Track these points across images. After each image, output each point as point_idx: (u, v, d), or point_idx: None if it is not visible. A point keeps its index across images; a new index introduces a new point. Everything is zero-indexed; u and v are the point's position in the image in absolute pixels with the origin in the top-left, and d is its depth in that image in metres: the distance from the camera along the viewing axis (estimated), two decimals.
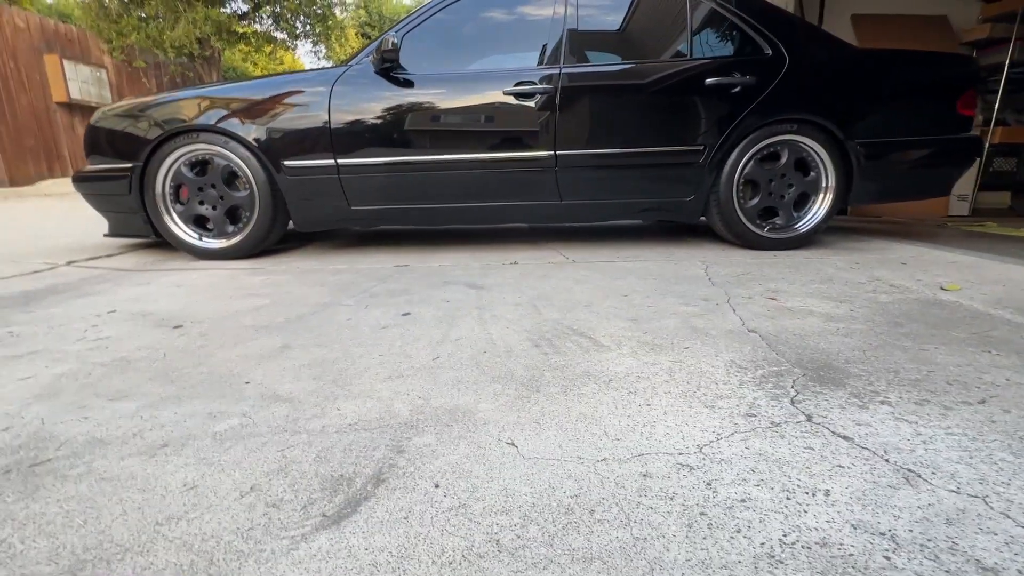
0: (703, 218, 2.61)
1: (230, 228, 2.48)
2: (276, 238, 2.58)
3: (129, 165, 2.40)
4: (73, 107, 6.84)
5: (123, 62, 7.06)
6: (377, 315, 1.53)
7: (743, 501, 0.65)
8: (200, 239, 2.48)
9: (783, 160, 2.42)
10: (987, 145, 4.29)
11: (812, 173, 2.45)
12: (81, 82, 6.68)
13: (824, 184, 2.45)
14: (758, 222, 2.49)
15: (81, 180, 2.54)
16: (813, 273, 2.00)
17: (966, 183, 4.32)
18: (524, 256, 2.43)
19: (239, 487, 0.70)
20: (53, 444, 0.83)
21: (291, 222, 2.54)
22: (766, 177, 2.44)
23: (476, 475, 0.72)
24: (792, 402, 0.93)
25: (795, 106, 2.36)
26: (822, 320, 1.41)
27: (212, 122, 2.34)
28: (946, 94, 2.46)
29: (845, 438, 0.80)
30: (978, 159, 4.25)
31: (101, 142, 2.48)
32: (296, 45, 7.67)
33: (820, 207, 2.47)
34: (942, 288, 1.74)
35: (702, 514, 0.63)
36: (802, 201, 2.49)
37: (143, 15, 6.10)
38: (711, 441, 0.80)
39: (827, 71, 2.44)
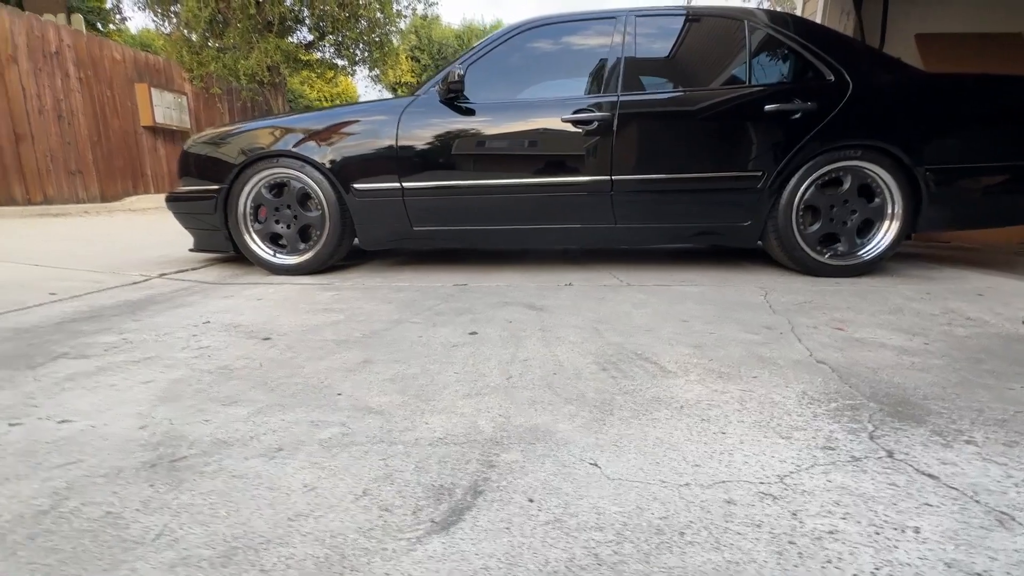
0: (759, 242, 2.58)
1: (301, 246, 2.65)
2: (342, 255, 2.74)
3: (216, 187, 2.62)
4: (156, 130, 7.50)
5: (201, 89, 7.69)
6: (446, 333, 1.61)
7: (831, 533, 0.68)
8: (274, 255, 2.67)
9: (846, 186, 2.39)
10: None
11: (877, 199, 2.40)
12: (165, 107, 7.33)
13: (890, 211, 2.39)
14: (818, 248, 2.45)
15: (173, 200, 2.79)
16: (881, 303, 1.95)
17: None
18: (578, 278, 2.48)
19: (352, 491, 0.78)
20: (185, 443, 0.94)
21: (356, 240, 2.69)
22: (827, 203, 2.41)
23: (566, 492, 0.77)
24: (871, 437, 0.93)
25: (859, 132, 2.33)
26: (895, 353, 1.39)
27: (290, 148, 2.53)
28: (1021, 118, 2.37)
29: (931, 476, 0.81)
30: None
31: (192, 166, 2.73)
32: (355, 71, 8.14)
33: (886, 234, 2.40)
34: None
35: (791, 543, 0.66)
36: (866, 228, 2.44)
37: (221, 46, 6.65)
38: (791, 472, 0.82)
39: (894, 96, 2.39)
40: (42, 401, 1.13)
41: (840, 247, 2.44)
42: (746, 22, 2.48)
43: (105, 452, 0.91)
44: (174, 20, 7.41)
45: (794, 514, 0.71)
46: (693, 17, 2.65)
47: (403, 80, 14.63)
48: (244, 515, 0.73)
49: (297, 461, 0.87)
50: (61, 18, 6.34)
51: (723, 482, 0.79)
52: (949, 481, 0.79)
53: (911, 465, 0.84)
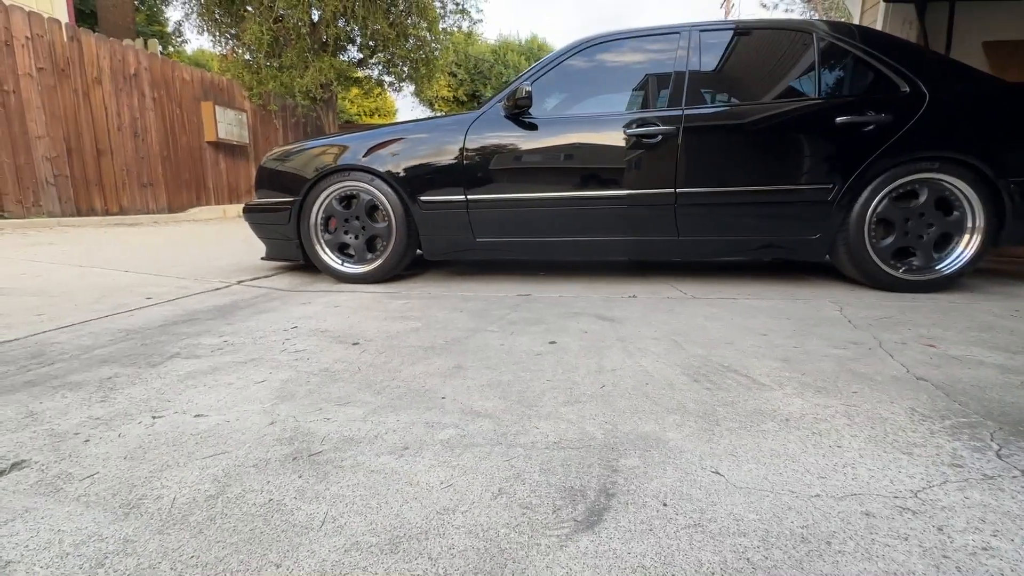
0: (827, 256, 2.53)
1: (368, 256, 2.76)
2: (405, 265, 2.83)
3: (290, 199, 2.76)
4: (218, 145, 7.97)
5: (259, 106, 8.12)
6: (525, 342, 1.65)
7: (985, 549, 0.67)
8: (342, 264, 2.78)
9: (922, 199, 2.32)
10: None
11: (956, 212, 2.32)
12: (227, 124, 7.79)
13: (970, 224, 2.31)
14: (892, 262, 2.38)
15: (250, 211, 2.96)
16: (967, 320, 1.88)
17: None
18: (640, 289, 2.48)
19: (488, 489, 0.82)
20: (315, 439, 1.00)
21: (419, 251, 2.78)
22: (902, 216, 2.34)
23: (697, 498, 0.79)
24: (998, 455, 0.91)
25: (938, 144, 2.27)
26: (998, 371, 1.34)
27: (361, 162, 2.65)
28: None
29: None
30: None
31: (268, 180, 2.89)
32: (402, 87, 8.43)
33: (966, 249, 2.32)
34: None
35: (945, 557, 0.66)
36: (943, 242, 2.36)
37: (279, 66, 7.01)
38: (923, 488, 0.81)
39: (974, 107, 2.32)
40: (172, 397, 1.22)
41: (916, 261, 2.37)
42: (814, 34, 2.47)
43: (246, 445, 0.98)
44: (231, 42, 7.88)
45: (940, 529, 0.71)
46: (756, 30, 2.65)
47: (440, 95, 15.01)
48: (395, 507, 0.78)
49: (425, 459, 0.92)
50: (139, 42, 6.85)
51: (855, 495, 0.80)
52: None
53: None
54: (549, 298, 2.33)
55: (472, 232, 2.66)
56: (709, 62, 2.57)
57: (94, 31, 7.93)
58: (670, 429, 1.03)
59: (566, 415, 1.10)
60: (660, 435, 1.01)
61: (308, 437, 1.01)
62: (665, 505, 0.77)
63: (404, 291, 2.55)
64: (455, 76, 18.60)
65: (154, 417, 1.11)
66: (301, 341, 1.69)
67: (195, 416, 1.11)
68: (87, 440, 1.00)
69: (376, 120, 18.13)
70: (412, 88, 8.88)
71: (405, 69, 7.93)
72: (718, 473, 0.86)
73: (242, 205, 3.04)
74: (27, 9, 5.70)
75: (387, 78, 8.32)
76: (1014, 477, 0.84)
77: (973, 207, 2.30)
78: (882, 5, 4.13)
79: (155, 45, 6.94)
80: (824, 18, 13.15)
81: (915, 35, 4.01)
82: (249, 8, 7.03)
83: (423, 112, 16.12)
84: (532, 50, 16.98)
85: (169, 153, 7.02)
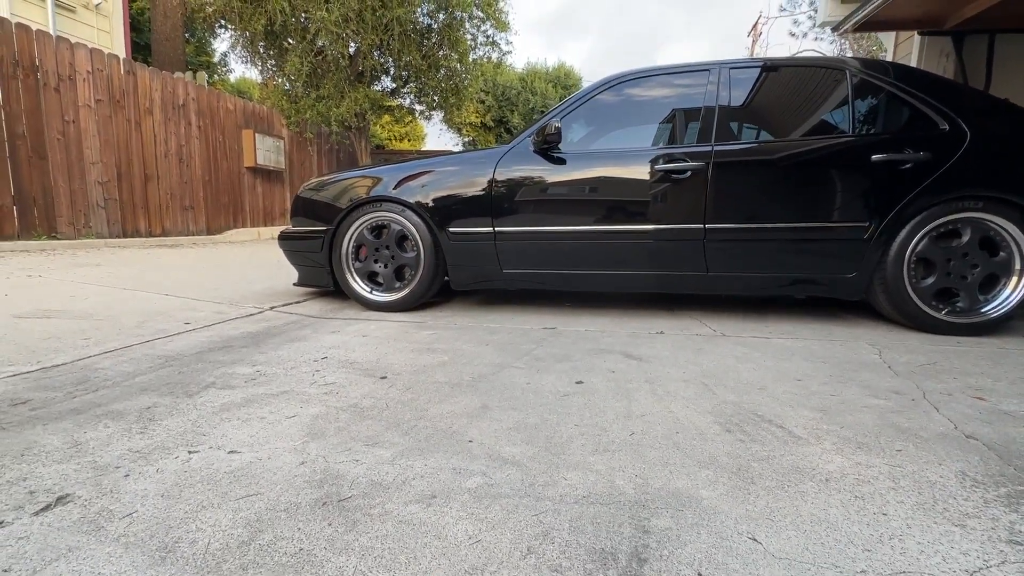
0: (863, 295, 2.45)
1: (397, 284, 2.81)
2: (432, 294, 2.87)
3: (324, 228, 2.85)
4: (256, 171, 8.34)
5: (296, 133, 8.47)
6: (552, 380, 1.64)
7: None
8: (371, 292, 2.84)
9: (965, 238, 2.24)
10: None
11: (1002, 253, 2.23)
12: (265, 151, 8.16)
13: (1019, 266, 2.21)
14: (933, 303, 2.29)
15: (285, 238, 3.06)
16: (1019, 369, 1.78)
17: None
18: (668, 325, 2.45)
19: (517, 547, 0.81)
20: (345, 483, 1.01)
21: (446, 278, 2.82)
22: (943, 256, 2.27)
23: (734, 569, 0.76)
24: None
25: (981, 183, 2.20)
26: None
27: (392, 194, 2.72)
28: None
29: None
30: None
31: (303, 209, 2.99)
32: (432, 115, 8.68)
33: (1015, 291, 2.22)
34: None
35: None
36: (990, 283, 2.26)
37: (317, 96, 7.33)
38: (980, 568, 0.77)
39: (1019, 145, 2.25)
40: (207, 430, 1.26)
41: (960, 303, 2.28)
42: (847, 71, 2.45)
43: (278, 487, 0.99)
44: (272, 71, 8.29)
45: None
46: (787, 67, 2.64)
47: (468, 120, 15.35)
48: (423, 564, 0.77)
49: (454, 511, 0.91)
50: (188, 75, 7.29)
51: (904, 572, 0.75)
52: None
53: None
54: (575, 332, 2.32)
55: (499, 263, 2.68)
56: (739, 98, 2.57)
57: (147, 63, 8.47)
58: (703, 486, 1.00)
59: (595, 465, 1.08)
60: (693, 492, 0.98)
61: (338, 480, 1.02)
62: (700, 575, 0.75)
63: (431, 320, 2.58)
64: (483, 103, 19.05)
65: (190, 452, 1.13)
66: (331, 373, 1.72)
67: (229, 452, 1.14)
68: (127, 475, 1.03)
69: (405, 145, 18.63)
70: (441, 115, 9.12)
71: (436, 98, 8.17)
72: (755, 540, 0.83)
73: (276, 229, 3.15)
74: (90, 45, 6.13)
75: (418, 107, 8.59)
76: None
77: (1021, 248, 2.20)
78: (916, 38, 4.08)
79: (203, 77, 7.38)
80: (854, 48, 13.03)
81: (952, 68, 3.94)
82: (291, 40, 7.40)
83: (451, 137, 16.46)
84: (559, 77, 17.27)
85: (210, 178, 7.37)
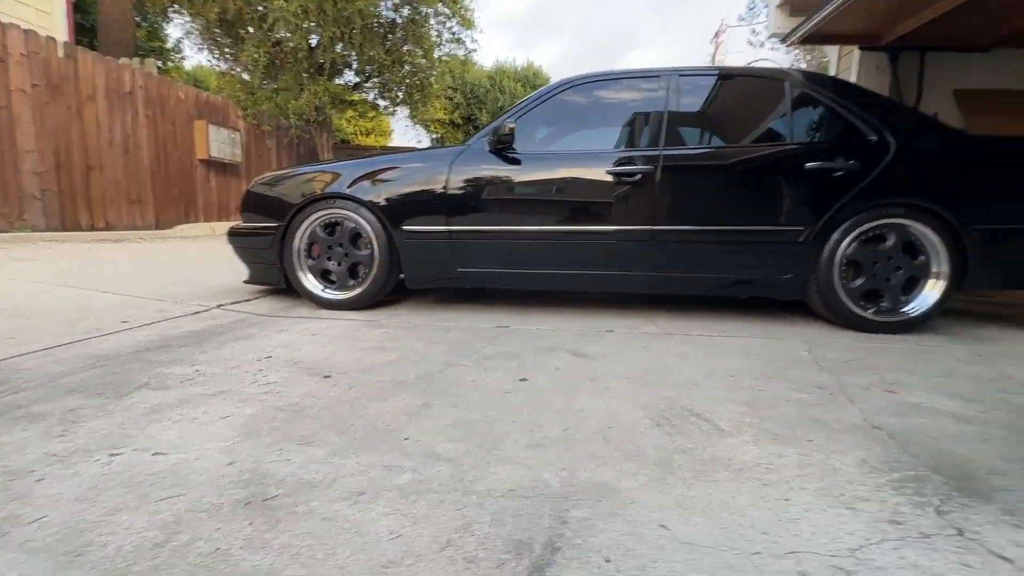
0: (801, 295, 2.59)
1: (350, 282, 2.78)
2: (386, 292, 2.85)
3: (275, 224, 2.78)
4: (210, 163, 8.03)
5: (253, 125, 8.20)
6: (498, 378, 1.67)
7: None
8: (324, 290, 2.79)
9: (889, 243, 2.40)
10: None
11: (922, 257, 2.40)
12: (220, 142, 7.86)
13: (935, 269, 2.39)
14: (862, 303, 2.44)
15: (234, 235, 2.97)
16: (931, 364, 1.93)
17: None
18: (618, 324, 2.52)
19: (436, 540, 0.83)
20: (272, 482, 1.00)
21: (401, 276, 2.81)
22: (871, 259, 2.42)
23: (641, 554, 0.80)
24: (938, 512, 0.94)
25: (903, 191, 2.36)
26: (953, 421, 1.38)
27: (347, 191, 2.69)
28: None
29: (1005, 559, 0.81)
30: None
31: (254, 204, 2.91)
32: (396, 111, 8.57)
33: (932, 292, 2.39)
34: None
35: None
36: (911, 285, 2.43)
37: (275, 87, 7.12)
38: (861, 546, 0.84)
39: (940, 157, 2.43)
40: (134, 432, 1.22)
41: (884, 303, 2.43)
42: (787, 82, 2.57)
43: (202, 487, 0.98)
44: (230, 60, 8.00)
45: None
46: (733, 76, 2.76)
47: (436, 117, 15.23)
48: (341, 559, 0.78)
49: (379, 507, 0.92)
50: (136, 61, 6.94)
51: (793, 552, 0.81)
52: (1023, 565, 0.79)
53: (984, 546, 0.84)
54: (528, 330, 2.35)
55: (454, 262, 2.69)
56: (687, 105, 2.66)
57: (94, 47, 8.02)
58: (626, 477, 1.05)
59: (526, 460, 1.12)
60: (615, 484, 1.02)
61: (265, 480, 1.01)
62: (608, 561, 0.79)
63: (384, 319, 2.56)
64: (451, 100, 18.93)
65: (112, 455, 1.10)
66: (274, 372, 1.69)
67: (154, 454, 1.11)
68: (41, 479, 1.00)
69: (371, 140, 18.32)
70: (406, 112, 9.02)
71: (399, 94, 8.07)
72: (665, 527, 0.88)
73: (231, 224, 3.05)
74: (25, 27, 5.76)
75: (382, 102, 8.47)
76: (949, 536, 0.87)
77: (938, 252, 2.37)
78: (856, 52, 4.32)
79: (151, 64, 7.04)
80: (807, 59, 13.63)
81: (888, 82, 4.19)
82: (250, 29, 7.17)
83: (418, 133, 16.27)
84: (528, 77, 17.34)
85: (160, 170, 7.05)
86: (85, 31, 10.46)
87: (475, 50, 8.52)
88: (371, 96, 8.42)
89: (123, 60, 6.77)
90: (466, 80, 20.56)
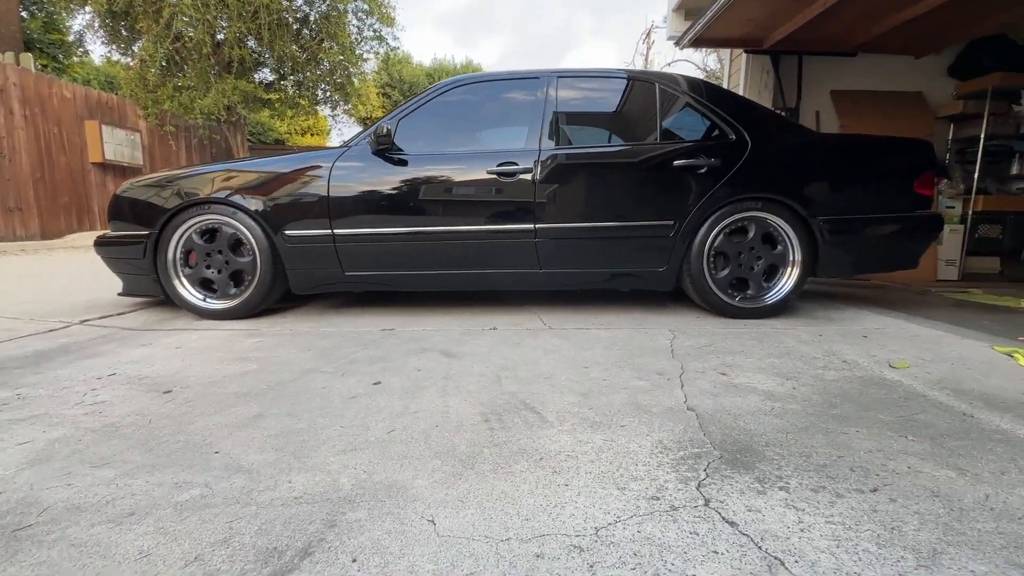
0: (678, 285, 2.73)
1: (233, 290, 2.66)
2: (274, 299, 2.76)
3: (146, 232, 2.63)
4: (106, 167, 7.43)
5: (156, 126, 7.67)
6: (351, 384, 1.65)
7: None
8: (204, 300, 2.67)
9: (751, 234, 2.57)
10: (970, 212, 4.43)
11: (779, 247, 2.59)
12: (116, 144, 7.28)
13: (791, 258, 2.59)
14: (730, 292, 2.61)
15: (102, 244, 2.78)
16: (774, 346, 2.09)
17: (953, 249, 4.43)
18: (504, 321, 2.56)
19: (186, 556, 0.81)
20: (37, 509, 0.95)
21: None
22: (735, 250, 2.59)
23: (391, 551, 0.82)
24: (698, 486, 1.02)
25: (759, 186, 2.53)
26: (761, 399, 1.50)
27: (223, 195, 2.58)
28: (904, 176, 2.63)
29: (731, 523, 0.89)
30: (965, 227, 4.40)
31: (123, 210, 2.73)
32: (316, 110, 8.29)
33: (788, 279, 2.59)
34: (890, 366, 1.82)
35: None
36: (772, 273, 2.62)
37: (178, 85, 6.70)
38: (609, 524, 0.89)
39: (789, 154, 2.63)
40: None
41: (749, 291, 2.61)
42: (657, 85, 2.70)
43: None
44: (135, 56, 7.46)
45: (591, 566, 0.78)
46: (610, 78, 2.86)
47: (374, 115, 14.92)
48: None
49: (143, 527, 0.89)
50: (9, 56, 6.29)
51: (542, 535, 0.86)
52: (745, 528, 0.88)
53: (719, 513, 0.92)
54: (410, 332, 2.35)
55: (341, 265, 2.64)
56: (565, 105, 2.74)
57: None
58: (422, 476, 1.07)
59: (330, 465, 1.11)
60: (408, 483, 1.04)
61: (30, 508, 0.95)
62: (354, 562, 0.80)
63: (266, 327, 2.48)
64: (389, 97, 18.56)
65: None
66: (108, 391, 1.60)
67: None
68: None
69: (308, 139, 17.67)
70: (330, 111, 8.75)
71: (319, 92, 7.82)
72: (432, 522, 0.90)
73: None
74: None
75: (301, 101, 8.17)
76: (695, 507, 0.94)
77: (792, 242, 2.58)
78: (744, 56, 4.60)
79: (28, 60, 6.40)
80: (719, 59, 14.35)
81: (771, 83, 4.49)
82: (147, 22, 6.70)
83: (355, 130, 15.89)
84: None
85: (44, 175, 6.45)
86: None
87: (397, 47, 8.39)
88: (288, 94, 8.09)
89: None
90: (404, 78, 20.20)
